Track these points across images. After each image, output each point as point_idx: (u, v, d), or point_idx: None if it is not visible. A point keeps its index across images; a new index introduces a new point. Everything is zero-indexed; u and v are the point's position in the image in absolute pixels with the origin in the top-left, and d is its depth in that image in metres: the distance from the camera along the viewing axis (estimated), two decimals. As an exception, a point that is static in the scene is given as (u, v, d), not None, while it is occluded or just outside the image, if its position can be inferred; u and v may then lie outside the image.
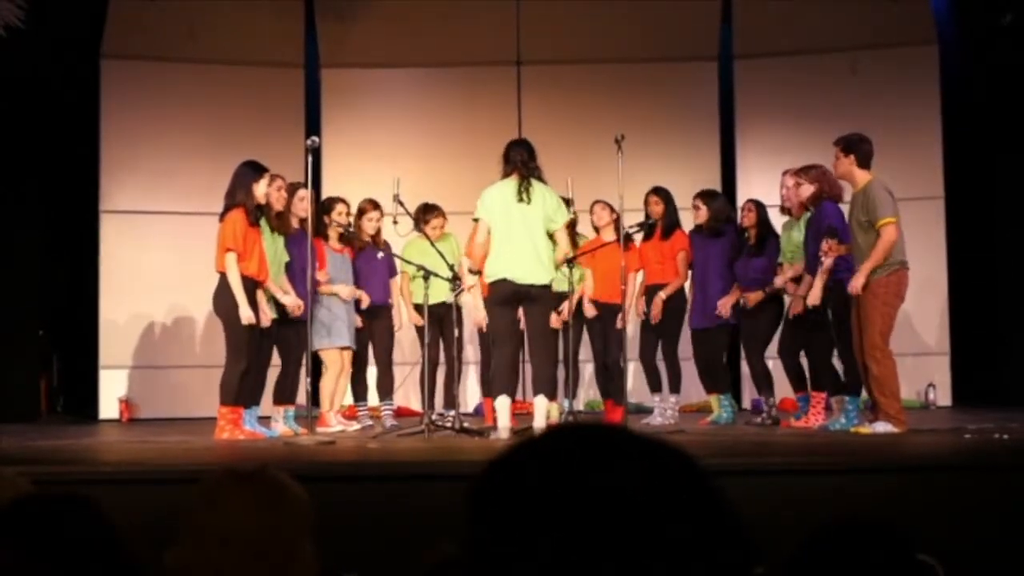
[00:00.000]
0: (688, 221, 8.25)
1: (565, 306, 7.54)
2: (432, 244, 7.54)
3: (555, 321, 7.43)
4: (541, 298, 6.70)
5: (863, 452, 5.53)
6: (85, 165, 9.81)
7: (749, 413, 8.79)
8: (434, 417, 7.23)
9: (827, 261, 6.81)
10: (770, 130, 10.20)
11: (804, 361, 7.55)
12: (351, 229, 7.80)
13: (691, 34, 10.41)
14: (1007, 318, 9.79)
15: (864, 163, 6.66)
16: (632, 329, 8.28)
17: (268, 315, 7.03)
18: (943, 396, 9.73)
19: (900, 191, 6.91)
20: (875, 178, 6.60)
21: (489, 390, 7.66)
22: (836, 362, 7.19)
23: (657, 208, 8.07)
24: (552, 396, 6.82)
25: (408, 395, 9.69)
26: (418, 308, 7.69)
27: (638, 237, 8.01)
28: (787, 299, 7.59)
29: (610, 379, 8.03)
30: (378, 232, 8.00)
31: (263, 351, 7.10)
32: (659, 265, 8.07)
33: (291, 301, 7.10)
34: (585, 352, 8.35)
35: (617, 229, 7.54)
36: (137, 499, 4.08)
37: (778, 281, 7.58)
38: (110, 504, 1.99)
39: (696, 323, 8.08)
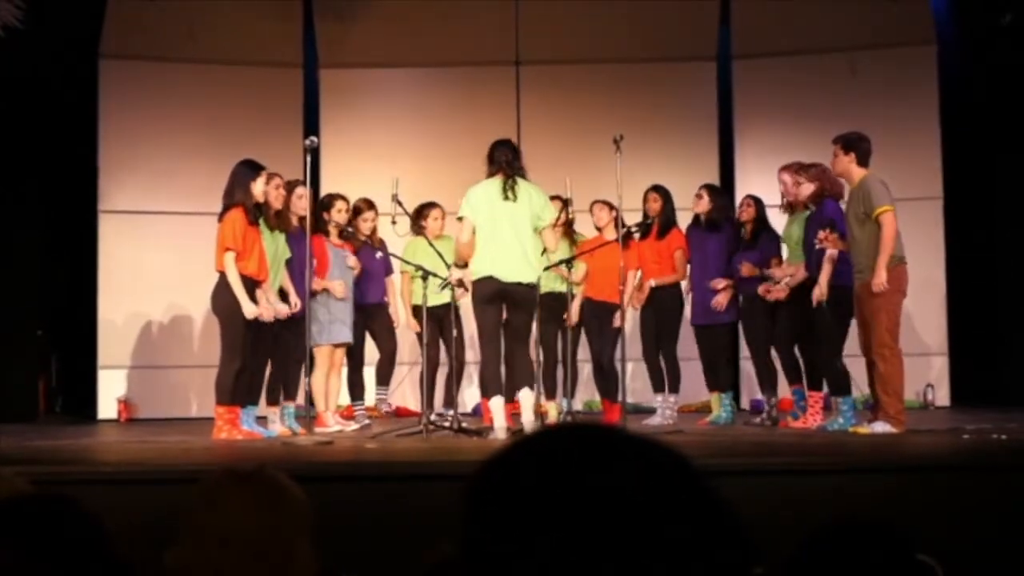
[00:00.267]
0: (686, 221, 8.25)
1: (574, 308, 7.59)
2: (431, 244, 7.53)
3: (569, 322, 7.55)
4: (526, 297, 6.62)
5: (862, 452, 5.54)
6: (84, 165, 9.80)
7: (748, 413, 8.79)
8: (433, 417, 7.23)
9: (830, 250, 6.83)
10: (769, 130, 10.19)
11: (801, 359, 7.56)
12: (350, 229, 7.79)
13: (690, 34, 10.41)
14: (1006, 318, 9.79)
15: (863, 161, 6.70)
16: (630, 328, 8.28)
17: (273, 309, 6.94)
18: (942, 396, 9.73)
19: (899, 191, 6.92)
20: (870, 173, 6.65)
21: (485, 391, 7.65)
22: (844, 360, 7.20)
23: (655, 205, 8.07)
24: (533, 386, 6.71)
25: (407, 395, 9.69)
26: (417, 309, 7.68)
27: (637, 236, 8.00)
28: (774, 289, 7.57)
29: (606, 379, 8.03)
30: (374, 231, 8.00)
31: (261, 350, 7.03)
32: (656, 264, 8.07)
33: (284, 310, 7.07)
34: (584, 352, 8.35)
35: (616, 227, 7.54)
36: (136, 499, 4.08)
37: (776, 273, 7.55)
38: (109, 504, 1.99)
39: (697, 320, 8.09)
